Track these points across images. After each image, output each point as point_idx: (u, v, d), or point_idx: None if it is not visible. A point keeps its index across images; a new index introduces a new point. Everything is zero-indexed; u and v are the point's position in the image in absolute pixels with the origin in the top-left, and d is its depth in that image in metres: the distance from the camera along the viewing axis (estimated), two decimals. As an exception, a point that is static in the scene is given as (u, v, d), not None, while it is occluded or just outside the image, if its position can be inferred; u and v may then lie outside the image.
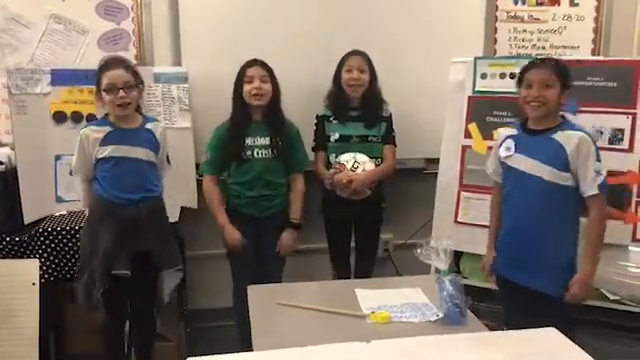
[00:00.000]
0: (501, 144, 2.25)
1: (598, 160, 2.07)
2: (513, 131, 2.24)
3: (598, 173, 2.06)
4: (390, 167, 2.87)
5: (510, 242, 2.24)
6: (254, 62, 2.67)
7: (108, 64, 2.34)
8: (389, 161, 2.87)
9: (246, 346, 2.58)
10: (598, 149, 2.10)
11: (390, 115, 2.90)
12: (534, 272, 2.15)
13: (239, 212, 2.72)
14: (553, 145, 2.09)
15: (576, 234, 2.14)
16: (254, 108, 2.68)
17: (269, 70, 2.67)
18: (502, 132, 2.31)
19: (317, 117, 2.91)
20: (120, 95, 2.29)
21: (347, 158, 2.77)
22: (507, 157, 2.21)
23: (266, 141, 2.69)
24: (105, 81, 2.29)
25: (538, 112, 2.13)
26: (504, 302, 2.38)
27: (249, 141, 2.68)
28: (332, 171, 2.78)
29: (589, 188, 2.06)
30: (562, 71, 2.12)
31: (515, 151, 2.19)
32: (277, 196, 2.74)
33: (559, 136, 2.09)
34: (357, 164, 2.74)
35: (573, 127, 2.13)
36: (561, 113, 2.18)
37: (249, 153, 2.68)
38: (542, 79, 2.11)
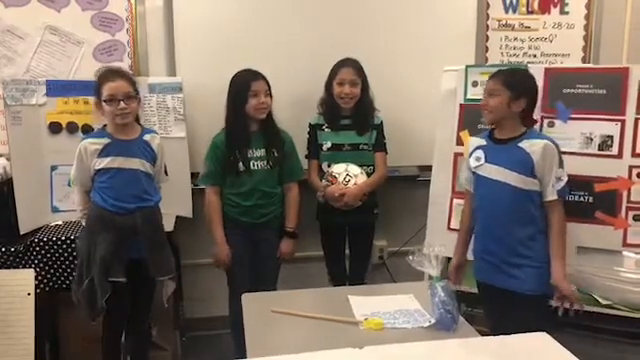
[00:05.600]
0: (471, 154, 2.31)
1: (561, 167, 2.16)
2: (482, 141, 2.30)
3: (558, 179, 2.15)
4: (382, 176, 2.90)
5: (484, 247, 2.30)
6: (257, 75, 2.68)
7: (109, 75, 2.37)
8: (380, 170, 2.89)
9: (243, 354, 2.61)
10: (562, 156, 2.18)
11: (381, 123, 2.92)
12: (509, 274, 2.21)
13: (235, 220, 2.74)
14: (520, 153, 2.17)
15: (546, 235, 2.20)
16: (252, 120, 2.70)
17: (268, 83, 2.69)
18: (471, 142, 2.37)
19: (310, 125, 2.93)
20: (121, 107, 2.32)
21: (339, 170, 2.78)
22: (477, 167, 2.28)
23: (262, 152, 2.72)
24: (106, 92, 2.32)
25: (486, 119, 2.27)
26: (485, 304, 2.42)
27: (245, 153, 2.69)
28: (324, 183, 2.80)
29: (549, 193, 2.16)
30: (510, 80, 2.19)
31: (485, 161, 2.25)
32: (272, 204, 2.77)
33: (525, 144, 2.17)
34: (349, 177, 2.75)
35: (538, 136, 2.23)
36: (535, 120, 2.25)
37: (246, 165, 2.69)
38: (489, 89, 2.23)
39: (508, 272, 2.21)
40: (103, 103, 2.34)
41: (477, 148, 2.30)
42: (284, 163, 2.78)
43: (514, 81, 2.19)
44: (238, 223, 2.73)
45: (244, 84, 2.65)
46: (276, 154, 2.74)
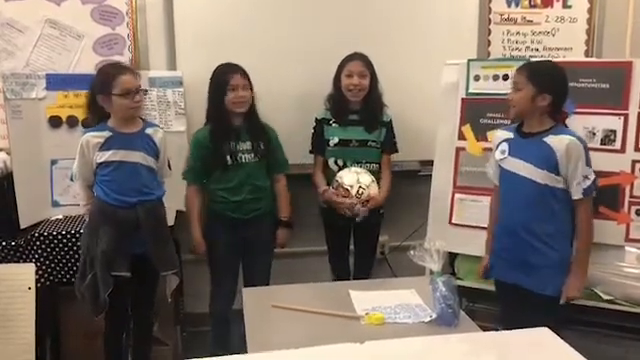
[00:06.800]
0: (497, 147, 2.29)
1: (588, 165, 2.11)
2: (509, 134, 2.27)
3: (585, 178, 2.10)
4: (391, 179, 2.89)
5: (504, 242, 2.28)
6: (235, 69, 2.65)
7: (119, 69, 2.38)
8: (388, 172, 2.89)
9: (221, 350, 2.61)
10: (588, 154, 2.13)
11: (390, 120, 2.89)
12: (527, 271, 2.18)
13: (224, 216, 2.70)
14: (544, 148, 2.13)
15: (568, 234, 2.18)
16: (234, 114, 2.67)
17: (248, 77, 2.67)
18: (498, 134, 2.34)
19: (316, 120, 2.90)
20: (136, 99, 2.34)
21: (351, 182, 2.68)
22: (502, 160, 2.25)
23: (248, 145, 2.69)
24: (121, 86, 2.32)
25: (510, 114, 2.23)
26: (500, 303, 2.40)
27: (232, 147, 2.67)
28: (332, 191, 2.74)
29: (575, 192, 2.12)
30: (535, 74, 2.14)
31: (509, 154, 2.22)
32: (262, 199, 2.73)
33: (550, 139, 2.13)
34: (362, 189, 2.66)
35: (565, 131, 2.17)
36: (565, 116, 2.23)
37: (234, 158, 2.67)
38: (514, 82, 2.19)
39: (526, 270, 2.18)
40: (115, 97, 2.32)
41: (503, 141, 2.27)
42: (270, 157, 2.75)
43: (538, 75, 2.14)
44: (227, 220, 2.70)
45: (222, 78, 2.64)
46: (262, 146, 2.71)
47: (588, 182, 2.11)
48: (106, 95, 2.34)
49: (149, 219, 2.40)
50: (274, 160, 2.78)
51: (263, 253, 2.79)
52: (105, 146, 2.36)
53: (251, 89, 2.67)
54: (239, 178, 2.67)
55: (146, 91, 2.44)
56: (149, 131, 2.46)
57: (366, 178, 2.71)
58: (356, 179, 2.69)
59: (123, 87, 2.31)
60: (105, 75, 2.37)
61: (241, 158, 2.67)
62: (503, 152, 2.25)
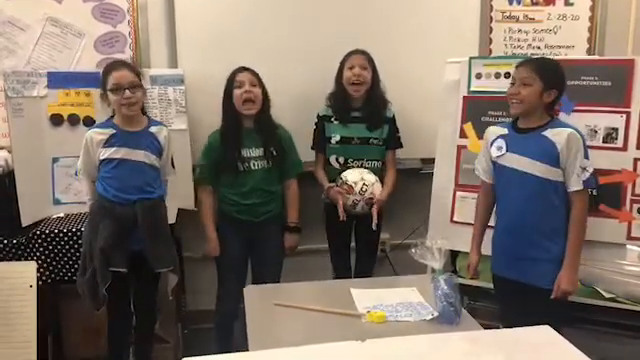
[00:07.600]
0: (492, 144, 2.28)
1: (586, 157, 2.13)
2: (504, 130, 2.27)
3: (584, 169, 2.11)
4: (395, 176, 2.89)
5: (504, 239, 2.27)
6: (243, 69, 2.66)
7: (114, 65, 2.41)
8: (393, 169, 2.89)
9: (223, 348, 2.60)
10: (587, 146, 2.15)
11: (393, 116, 2.89)
12: (529, 267, 2.18)
13: (233, 218, 2.71)
14: (544, 142, 2.14)
15: (566, 228, 2.17)
16: (245, 117, 2.67)
17: (258, 77, 2.67)
18: (492, 131, 2.33)
19: (318, 117, 2.90)
20: (126, 95, 2.33)
21: (355, 179, 2.70)
22: (499, 156, 2.24)
23: (260, 152, 2.68)
24: (111, 81, 2.34)
25: (515, 109, 2.20)
26: (500, 300, 2.40)
27: (244, 153, 2.66)
28: (337, 190, 2.74)
29: (574, 183, 2.12)
30: (543, 70, 2.15)
31: (507, 150, 2.22)
32: (272, 201, 2.74)
33: (549, 133, 2.14)
34: (365, 187, 2.68)
35: (562, 124, 2.19)
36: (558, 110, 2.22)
37: (245, 165, 2.66)
38: (521, 77, 2.17)
39: (528, 266, 2.18)
40: (109, 93, 2.35)
41: (498, 137, 2.26)
42: (283, 161, 2.74)
43: (546, 71, 2.15)
44: (236, 221, 2.70)
45: (230, 78, 2.66)
46: (275, 153, 2.70)
47: (587, 174, 2.11)
48: (104, 91, 2.39)
49: (147, 217, 2.41)
50: (286, 164, 2.76)
51: (274, 255, 2.80)
52: (108, 143, 2.38)
53: (263, 89, 2.67)
54: (251, 184, 2.67)
55: (140, 87, 2.41)
56: (153, 129, 2.47)
57: (370, 177, 2.74)
58: (360, 177, 2.72)
59: (113, 83, 2.34)
60: (103, 72, 2.41)
61: (253, 165, 2.67)
62: (500, 148, 2.24)
